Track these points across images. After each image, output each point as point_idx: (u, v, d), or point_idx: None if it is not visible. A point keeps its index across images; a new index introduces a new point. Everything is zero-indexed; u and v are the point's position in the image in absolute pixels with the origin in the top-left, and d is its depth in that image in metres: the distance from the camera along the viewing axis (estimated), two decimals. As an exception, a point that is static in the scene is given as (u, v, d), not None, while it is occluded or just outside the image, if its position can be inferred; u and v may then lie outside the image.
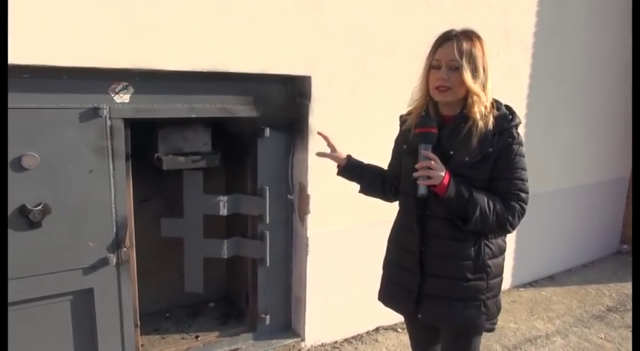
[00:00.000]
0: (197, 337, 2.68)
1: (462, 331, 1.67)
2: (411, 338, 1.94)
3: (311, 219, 2.67)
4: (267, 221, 2.59)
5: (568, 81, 3.77)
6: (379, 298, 1.87)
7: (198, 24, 2.17)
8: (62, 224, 2.09)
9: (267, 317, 2.73)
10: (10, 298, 2.01)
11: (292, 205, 2.72)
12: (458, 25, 2.96)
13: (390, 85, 2.81)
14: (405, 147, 1.68)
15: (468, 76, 1.49)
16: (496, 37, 3.18)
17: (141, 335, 2.50)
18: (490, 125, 1.53)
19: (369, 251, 2.91)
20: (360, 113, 2.75)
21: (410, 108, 1.74)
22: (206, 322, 2.86)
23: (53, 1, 1.85)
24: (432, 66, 1.56)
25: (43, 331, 2.17)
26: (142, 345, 2.51)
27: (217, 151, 2.63)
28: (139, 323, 2.42)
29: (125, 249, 2.27)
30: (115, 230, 2.23)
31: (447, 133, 1.57)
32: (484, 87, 1.53)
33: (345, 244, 2.82)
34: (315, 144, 2.60)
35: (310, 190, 2.63)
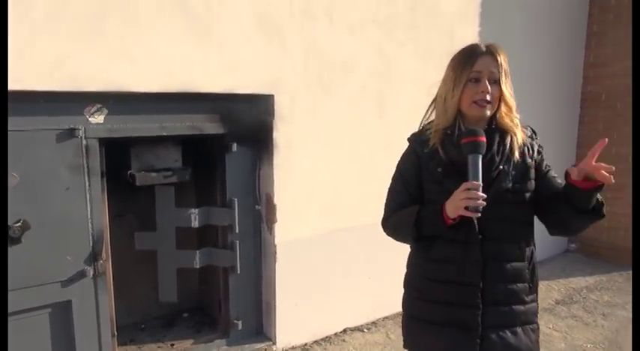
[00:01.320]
0: (172, 345, 2.80)
1: None
2: None
3: (278, 228, 2.85)
4: (237, 231, 2.75)
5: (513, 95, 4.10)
6: (413, 347, 1.63)
7: (167, 48, 2.35)
8: (41, 239, 2.21)
9: (240, 323, 2.87)
10: (-10, 312, 2.10)
11: (260, 215, 2.90)
12: (408, 45, 3.32)
13: (349, 100, 3.05)
14: (440, 170, 1.48)
15: (505, 87, 1.46)
16: (443, 55, 3.46)
17: (118, 346, 2.60)
18: (523, 137, 1.51)
19: (335, 256, 3.13)
20: (322, 128, 2.96)
21: (426, 126, 1.59)
22: (180, 331, 2.98)
23: (30, 30, 2.00)
24: (469, 79, 1.45)
25: (22, 344, 2.25)
26: (119, 355, 2.61)
27: (187, 167, 2.79)
28: (115, 333, 2.53)
29: (102, 261, 2.39)
30: (91, 244, 2.35)
31: (495, 147, 1.48)
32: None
33: (311, 250, 3.01)
34: (280, 157, 2.80)
35: (276, 201, 2.81)
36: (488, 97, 1.43)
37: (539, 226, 1.56)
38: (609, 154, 4.38)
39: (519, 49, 4.04)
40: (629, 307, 3.62)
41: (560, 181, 1.51)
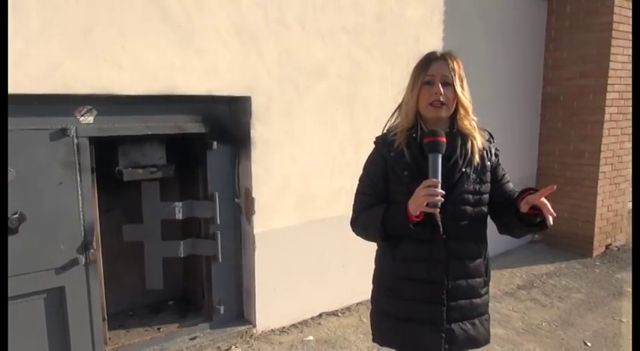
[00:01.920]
0: (159, 329, 3.00)
1: (476, 348, 1.66)
2: None
3: (256, 219, 3.08)
4: (218, 222, 2.98)
5: (475, 95, 4.39)
6: (382, 343, 1.71)
7: (151, 54, 2.58)
8: (36, 230, 2.41)
9: (222, 308, 3.09)
10: (-10, 296, 2.30)
11: (240, 207, 3.13)
12: (375, 51, 3.61)
13: (321, 101, 3.30)
14: (407, 173, 1.55)
15: (460, 90, 1.55)
16: (408, 59, 3.74)
17: (108, 330, 2.81)
18: (482, 142, 1.61)
19: (310, 246, 3.37)
20: (296, 127, 3.20)
21: (391, 128, 1.68)
22: (166, 317, 3.19)
23: (26, 40, 2.22)
24: (423, 83, 1.55)
25: (20, 327, 2.45)
26: (109, 338, 2.81)
27: (172, 164, 3.01)
28: (106, 317, 2.74)
29: (93, 250, 2.60)
30: (83, 234, 2.56)
31: (458, 151, 1.57)
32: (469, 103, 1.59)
33: (288, 240, 3.24)
34: (257, 154, 3.04)
35: (255, 194, 3.05)
36: (441, 99, 1.53)
37: None
38: (568, 151, 4.74)
39: (483, 53, 4.34)
40: (585, 290, 3.93)
41: (512, 186, 1.67)
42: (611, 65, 4.42)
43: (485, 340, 1.66)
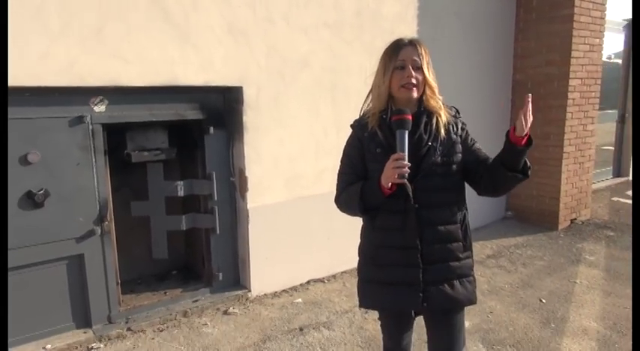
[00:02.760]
0: (165, 293, 3.40)
1: (456, 309, 1.80)
2: (392, 333, 1.96)
3: (250, 195, 3.47)
4: (216, 198, 3.37)
5: (450, 84, 4.78)
6: (367, 306, 1.89)
7: (154, 50, 2.94)
8: (59, 204, 2.79)
9: (220, 275, 3.49)
10: (20, 262, 2.69)
11: (234, 185, 3.51)
12: (355, 44, 3.98)
13: (306, 90, 3.68)
14: (380, 151, 1.70)
15: (427, 72, 1.69)
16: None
17: (121, 294, 3.20)
18: (447, 117, 1.75)
19: (299, 220, 3.77)
20: (284, 113, 3.58)
21: (366, 112, 1.82)
22: (171, 283, 3.59)
23: (48, 40, 2.58)
24: (395, 67, 1.68)
25: (46, 289, 2.84)
26: (122, 300, 3.20)
27: (173, 147, 3.39)
28: (119, 281, 3.13)
29: (107, 222, 2.98)
30: (98, 208, 2.94)
31: (422, 127, 1.70)
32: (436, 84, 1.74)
33: (278, 214, 3.63)
34: (249, 137, 3.41)
35: (247, 173, 3.43)
36: (413, 81, 1.67)
37: (478, 199, 1.90)
38: (535, 133, 5.05)
39: (456, 44, 4.72)
40: (547, 258, 4.35)
41: (485, 151, 1.80)
42: (573, 54, 4.82)
43: (469, 301, 1.78)
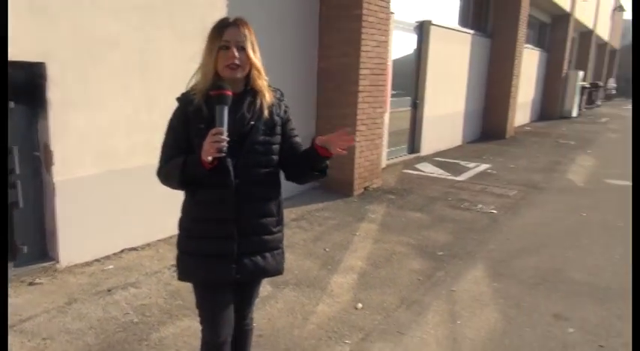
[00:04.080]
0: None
1: (261, 279, 1.99)
2: (214, 307, 1.89)
3: (57, 169, 3.57)
4: (17, 172, 3.41)
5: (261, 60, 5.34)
6: (184, 278, 1.90)
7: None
8: None
9: (25, 248, 3.55)
10: None
11: (39, 159, 3.58)
12: (165, 28, 4.24)
13: (115, 69, 3.86)
14: (203, 126, 1.70)
15: (252, 53, 1.74)
16: (196, 36, 4.45)
17: None
18: (272, 97, 1.82)
19: (111, 192, 3.97)
20: (92, 90, 3.73)
21: (193, 87, 1.81)
22: (-30, 260, 3.53)
23: None
24: (220, 47, 1.70)
25: None
26: None
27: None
28: None
29: None
30: None
31: (246, 106, 1.76)
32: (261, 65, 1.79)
33: (90, 187, 3.80)
34: (55, 113, 3.50)
35: (53, 148, 3.53)
36: (236, 62, 1.71)
37: None
38: (336, 115, 6.00)
39: (265, 34, 5.25)
40: (339, 218, 5.22)
41: (300, 140, 1.92)
42: (363, 48, 5.75)
43: (277, 271, 1.94)
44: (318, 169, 1.82)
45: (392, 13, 6.66)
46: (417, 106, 8.94)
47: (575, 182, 7.51)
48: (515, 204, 6.04)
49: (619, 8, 27.83)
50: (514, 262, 4.17)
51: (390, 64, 7.02)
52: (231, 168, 1.72)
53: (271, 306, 3.26)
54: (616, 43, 31.58)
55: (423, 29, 8.69)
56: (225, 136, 1.61)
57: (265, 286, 3.49)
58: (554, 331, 3.04)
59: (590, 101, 23.36)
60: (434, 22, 8.77)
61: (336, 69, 5.96)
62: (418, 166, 8.18)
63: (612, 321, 3.17)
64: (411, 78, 8.81)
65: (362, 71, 5.81)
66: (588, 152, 10.35)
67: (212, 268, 1.81)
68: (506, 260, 4.20)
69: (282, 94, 1.93)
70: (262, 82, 1.81)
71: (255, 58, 1.77)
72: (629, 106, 27.41)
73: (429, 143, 9.28)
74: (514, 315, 3.24)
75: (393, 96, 7.75)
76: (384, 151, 7.39)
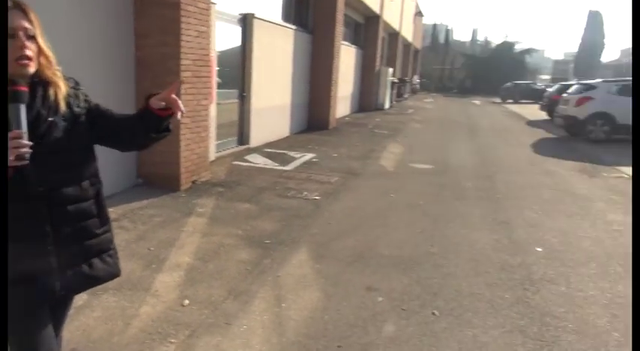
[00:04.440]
0: None
1: (101, 284, 1.72)
2: (35, 332, 1.58)
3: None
4: None
5: (69, 61, 4.80)
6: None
7: None
8: None
9: None
10: None
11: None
12: None
13: None
14: None
15: (42, 41, 1.51)
16: None
17: None
18: (67, 88, 1.59)
19: None
20: None
21: None
22: None
23: None
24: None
25: None
26: None
27: None
28: None
29: None
30: None
31: (40, 101, 1.51)
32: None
33: None
34: None
35: None
36: (28, 53, 1.46)
37: (106, 170, 1.80)
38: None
39: (67, 19, 4.74)
40: (165, 215, 5.02)
41: (116, 111, 1.74)
42: (183, 38, 5.57)
43: (111, 275, 1.74)
44: (162, 129, 1.68)
45: (213, 3, 6.58)
46: (244, 99, 9.01)
47: (386, 167, 8.44)
48: (335, 190, 6.54)
49: (419, 14, 32.03)
50: (334, 243, 4.53)
51: (214, 55, 6.93)
52: (32, 175, 1.46)
53: (86, 316, 3.00)
54: (418, 44, 36.28)
55: (246, 22, 8.77)
56: (25, 140, 1.37)
57: (80, 295, 3.15)
58: (367, 302, 3.41)
59: (400, 94, 26.45)
60: (257, 16, 8.91)
61: (154, 59, 5.66)
62: (248, 157, 8.28)
63: (413, 287, 3.68)
64: (238, 70, 8.84)
65: (183, 62, 5.63)
66: (397, 140, 11.70)
67: (32, 293, 1.53)
68: (327, 243, 4.54)
69: (76, 83, 1.70)
70: (54, 72, 1.56)
71: (46, 46, 1.54)
72: (430, 99, 31.79)
73: (258, 135, 9.45)
74: (332, 292, 3.53)
75: (220, 87, 7.68)
76: (213, 143, 7.31)
